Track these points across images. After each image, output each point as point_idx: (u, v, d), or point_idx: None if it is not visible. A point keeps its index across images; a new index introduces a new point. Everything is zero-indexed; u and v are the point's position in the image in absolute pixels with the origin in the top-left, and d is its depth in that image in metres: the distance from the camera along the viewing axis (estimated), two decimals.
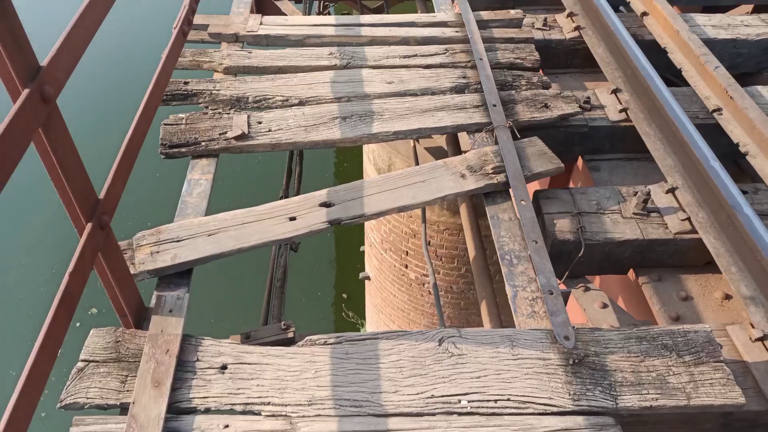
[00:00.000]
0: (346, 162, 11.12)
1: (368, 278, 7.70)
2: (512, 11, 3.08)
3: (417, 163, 3.38)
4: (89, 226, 1.42)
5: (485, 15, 3.06)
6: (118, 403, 1.52)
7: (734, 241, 2.02)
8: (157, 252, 1.88)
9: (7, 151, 1.08)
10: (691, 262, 2.22)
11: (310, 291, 9.39)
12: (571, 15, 3.25)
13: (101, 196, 1.49)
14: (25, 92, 1.15)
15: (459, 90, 2.58)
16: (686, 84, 2.82)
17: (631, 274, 2.30)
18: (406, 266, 6.63)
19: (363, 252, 7.80)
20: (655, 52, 3.00)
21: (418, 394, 1.54)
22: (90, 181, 1.43)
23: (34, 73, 1.19)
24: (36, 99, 1.18)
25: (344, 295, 9.33)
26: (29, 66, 1.18)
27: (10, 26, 1.11)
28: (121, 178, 1.60)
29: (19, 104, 1.13)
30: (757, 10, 3.96)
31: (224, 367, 1.59)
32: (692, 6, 4.18)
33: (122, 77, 11.20)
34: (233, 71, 2.74)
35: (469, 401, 1.53)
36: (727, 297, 2.12)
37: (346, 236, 10.02)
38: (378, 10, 4.75)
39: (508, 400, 1.53)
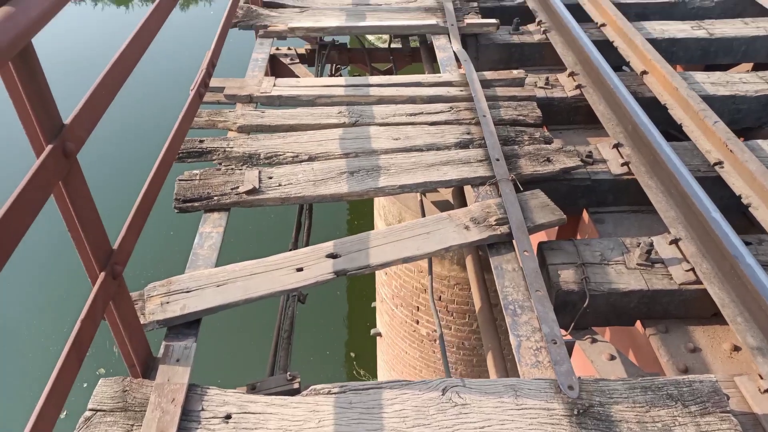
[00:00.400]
0: (357, 219, 11.24)
1: (380, 334, 7.64)
2: (515, 71, 3.21)
3: (423, 214, 3.43)
4: (102, 275, 1.48)
5: (489, 75, 3.19)
6: None
7: (739, 291, 2.02)
8: (167, 302, 1.93)
9: (29, 201, 1.15)
10: (698, 314, 2.22)
11: (320, 348, 9.31)
12: (572, 74, 3.37)
13: (115, 246, 1.56)
14: (49, 148, 1.23)
15: (463, 145, 2.67)
16: (687, 138, 2.89)
17: (638, 325, 2.30)
18: (417, 322, 6.59)
19: (374, 308, 7.77)
20: (655, 108, 3.09)
21: None
22: (105, 231, 1.49)
23: (57, 131, 1.27)
24: (58, 154, 1.26)
25: (352, 354, 9.24)
26: (53, 123, 1.27)
27: (37, 87, 1.20)
28: (135, 230, 1.66)
29: (42, 158, 1.21)
30: (756, 68, 4.07)
31: (228, 417, 1.61)
32: (693, 65, 4.31)
33: (140, 134, 11.61)
34: (246, 130, 2.86)
35: None
36: (736, 348, 2.10)
37: (358, 292, 10.01)
38: (387, 73, 4.94)
39: None
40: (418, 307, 6.49)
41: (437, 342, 6.33)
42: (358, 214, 11.21)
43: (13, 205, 1.11)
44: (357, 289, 10.09)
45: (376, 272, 7.13)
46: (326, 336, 9.52)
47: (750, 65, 4.14)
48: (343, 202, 11.33)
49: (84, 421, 1.59)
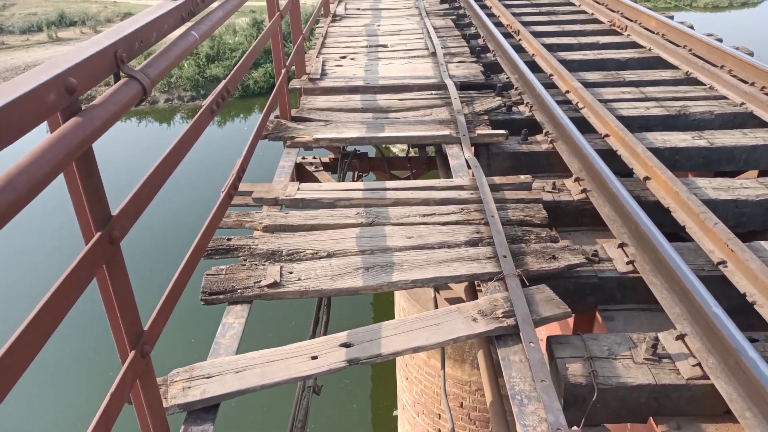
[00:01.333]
0: (380, 319, 11.26)
1: None
2: (522, 176, 3.43)
3: (436, 307, 3.52)
4: (132, 353, 1.61)
5: (498, 180, 3.41)
6: None
7: (745, 386, 2.04)
8: (189, 387, 2.03)
9: (77, 279, 1.32)
10: (710, 411, 2.22)
11: None
12: (578, 179, 3.58)
13: (146, 328, 1.70)
14: (98, 235, 1.43)
15: (473, 243, 2.82)
16: (692, 239, 3.00)
17: (651, 422, 2.29)
18: (440, 431, 6.39)
19: (396, 417, 7.58)
20: (658, 211, 3.24)
21: None
22: (138, 313, 1.65)
23: (106, 221, 1.47)
24: (105, 241, 1.45)
25: None
26: (103, 215, 1.47)
27: (93, 183, 1.42)
28: (164, 315, 1.81)
29: (92, 244, 1.40)
30: (761, 174, 4.24)
31: None
32: (702, 171, 4.49)
33: (174, 229, 12.33)
34: (271, 229, 3.07)
35: None
36: None
37: (380, 398, 9.76)
38: (407, 179, 5.23)
39: None
40: (439, 414, 6.33)
41: None
42: (380, 316, 11.22)
43: (64, 281, 1.28)
44: (379, 396, 9.86)
45: (397, 378, 7.04)
46: None
47: (755, 173, 4.31)
48: (369, 304, 11.46)
49: None
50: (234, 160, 2.91)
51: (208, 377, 2.07)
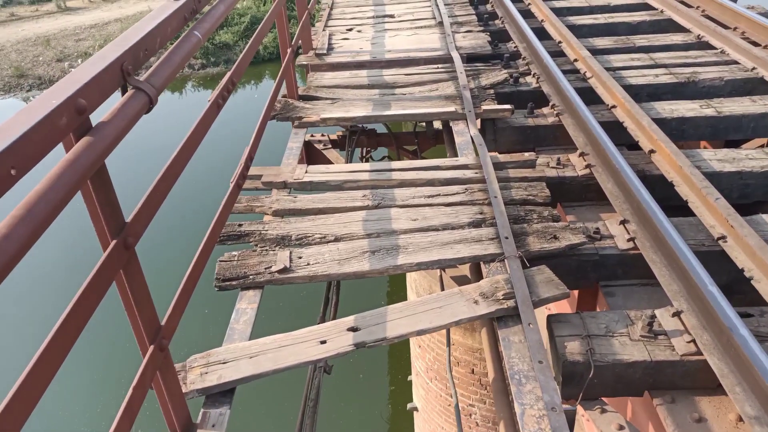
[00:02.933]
0: (396, 293, 11.45)
1: (416, 409, 7.62)
2: (526, 154, 3.47)
3: (442, 288, 3.63)
4: (152, 348, 1.73)
5: (502, 158, 3.45)
6: None
7: (736, 362, 2.12)
8: (206, 373, 2.16)
9: (97, 285, 1.42)
10: (704, 384, 2.31)
11: (358, 424, 9.29)
12: (582, 154, 3.60)
13: (163, 323, 1.82)
14: (113, 242, 1.53)
15: (476, 224, 2.90)
16: (694, 214, 3.04)
17: (646, 396, 2.39)
18: (452, 396, 6.59)
19: (411, 382, 7.80)
20: (663, 185, 3.27)
21: None
22: (155, 310, 1.76)
23: (120, 228, 1.57)
24: (120, 248, 1.55)
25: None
26: (117, 223, 1.57)
27: (107, 196, 1.51)
28: (180, 308, 1.93)
29: (108, 252, 1.50)
30: None
31: None
32: (710, 141, 4.48)
33: (184, 221, 12.43)
34: (280, 213, 3.17)
35: None
36: (741, 419, 2.17)
37: (396, 366, 10.02)
38: (414, 154, 5.28)
39: None
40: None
41: (472, 417, 6.31)
42: (396, 287, 11.41)
43: (85, 289, 1.38)
44: (395, 362, 10.12)
45: (411, 345, 7.22)
46: (365, 411, 9.51)
47: (763, 140, 4.29)
48: (380, 280, 11.65)
49: None
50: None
51: (224, 363, 2.20)
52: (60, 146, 1.34)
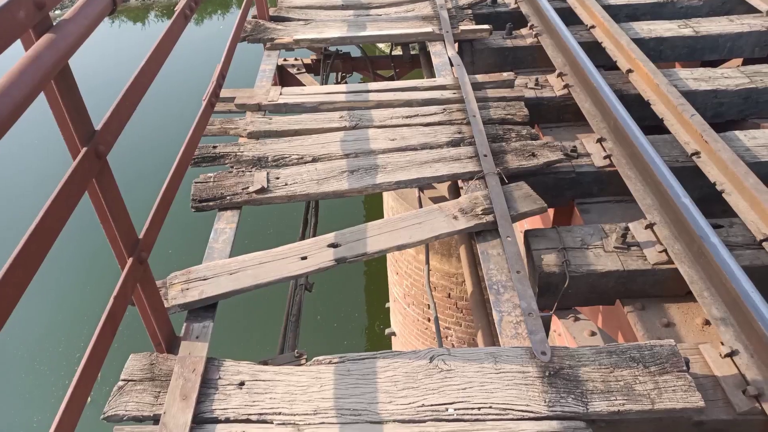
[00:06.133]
0: (371, 219, 11.54)
1: (394, 334, 7.84)
2: (504, 74, 3.42)
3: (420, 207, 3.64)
4: (130, 260, 1.71)
5: (480, 78, 3.40)
6: (151, 415, 1.76)
7: (705, 268, 2.20)
8: (187, 289, 2.16)
9: (68, 195, 1.38)
10: (673, 292, 2.40)
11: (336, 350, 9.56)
12: (560, 75, 3.57)
13: (141, 236, 1.79)
14: (84, 150, 1.47)
15: (455, 144, 2.88)
16: (669, 131, 3.06)
17: (618, 304, 2.48)
18: (429, 319, 6.78)
19: (389, 308, 7.98)
20: (639, 105, 3.28)
21: (410, 404, 1.75)
22: (132, 223, 1.73)
23: (90, 136, 1.51)
24: (92, 156, 1.50)
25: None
26: (87, 130, 1.51)
27: (74, 100, 1.44)
28: (157, 223, 1.90)
29: (79, 159, 1.45)
30: (745, 63, 4.23)
31: (242, 384, 1.83)
32: (687, 62, 4.47)
33: (160, 139, 12.22)
34: (255, 135, 3.10)
35: (455, 409, 1.72)
36: (707, 323, 2.28)
37: (373, 293, 10.23)
38: (390, 80, 5.17)
39: (491, 407, 1.72)
40: (428, 305, 6.68)
41: (449, 339, 6.52)
42: (374, 213, 11.49)
43: (55, 198, 1.34)
44: (373, 288, 10.32)
45: (389, 272, 7.34)
46: (342, 337, 9.75)
47: (740, 61, 4.29)
48: (358, 203, 11.68)
49: (117, 390, 1.82)
50: (213, 64, 2.88)
51: (204, 279, 2.20)
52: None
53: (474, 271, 2.65)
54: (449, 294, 6.15)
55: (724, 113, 3.49)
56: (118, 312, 1.61)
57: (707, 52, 4.07)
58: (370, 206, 11.43)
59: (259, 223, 10.56)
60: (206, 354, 1.92)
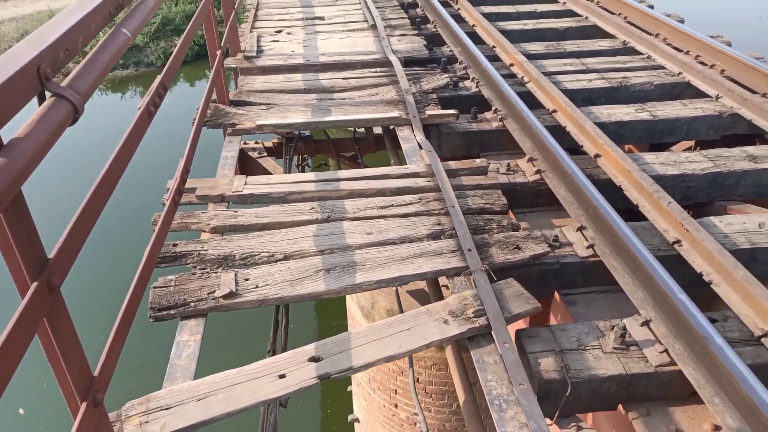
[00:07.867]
0: (331, 302, 11.06)
1: (357, 420, 7.41)
2: (477, 160, 3.36)
3: (399, 305, 3.45)
4: (83, 405, 1.44)
5: (453, 164, 3.33)
6: None
7: (712, 371, 2.08)
8: (146, 422, 1.87)
9: (17, 341, 1.13)
10: (676, 394, 2.26)
11: None
12: (531, 160, 3.55)
13: (96, 373, 1.52)
14: (34, 285, 1.23)
15: (435, 236, 2.74)
16: (645, 218, 3.03)
17: (620, 409, 2.32)
18: (396, 406, 6.43)
19: (351, 392, 7.58)
20: (610, 189, 3.26)
21: None
22: (87, 361, 1.47)
23: (42, 266, 1.28)
24: (43, 290, 1.26)
25: None
26: (38, 259, 1.28)
27: (25, 229, 1.22)
28: (115, 353, 1.64)
29: (28, 297, 1.21)
30: (698, 145, 4.37)
31: None
32: (640, 145, 4.59)
33: (114, 251, 11.02)
34: (220, 230, 2.88)
35: None
36: (717, 428, 2.14)
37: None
38: (353, 158, 5.09)
39: None
40: (395, 390, 6.36)
41: (417, 426, 6.19)
42: (339, 302, 11.06)
43: (1, 347, 1.09)
44: None
45: None
46: (302, 423, 9.17)
47: (692, 143, 4.44)
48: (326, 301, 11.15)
49: None
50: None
51: (167, 408, 1.91)
52: None
53: (465, 378, 2.46)
54: (418, 378, 5.87)
55: (692, 196, 3.52)
56: None
57: (666, 135, 4.18)
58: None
59: (225, 323, 9.81)
60: None
